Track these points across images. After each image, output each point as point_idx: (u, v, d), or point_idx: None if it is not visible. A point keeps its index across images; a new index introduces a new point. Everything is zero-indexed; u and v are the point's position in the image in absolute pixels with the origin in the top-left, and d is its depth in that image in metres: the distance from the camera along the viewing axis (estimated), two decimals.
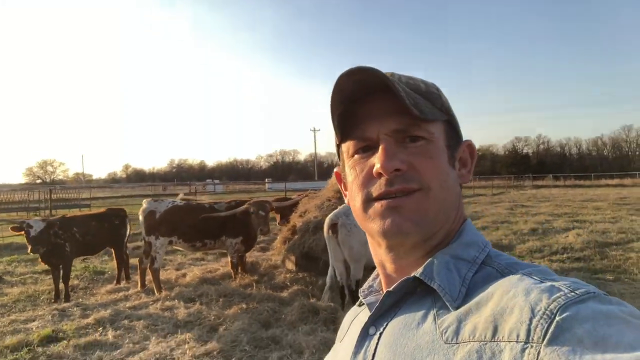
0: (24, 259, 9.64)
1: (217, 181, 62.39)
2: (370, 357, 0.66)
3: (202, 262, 9.15)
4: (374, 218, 0.69)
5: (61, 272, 6.67)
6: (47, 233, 6.34)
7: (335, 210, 5.13)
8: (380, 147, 0.68)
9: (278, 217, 9.13)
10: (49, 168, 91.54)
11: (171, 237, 6.84)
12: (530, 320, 0.51)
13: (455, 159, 0.74)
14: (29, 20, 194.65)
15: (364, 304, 0.79)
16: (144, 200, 7.19)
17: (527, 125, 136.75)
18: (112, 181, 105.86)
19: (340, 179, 0.83)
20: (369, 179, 0.69)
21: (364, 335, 0.70)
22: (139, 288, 6.95)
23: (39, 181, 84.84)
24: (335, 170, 0.86)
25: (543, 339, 0.48)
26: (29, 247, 6.23)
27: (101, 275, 8.12)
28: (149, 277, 6.94)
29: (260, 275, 7.49)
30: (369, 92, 0.70)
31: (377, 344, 0.67)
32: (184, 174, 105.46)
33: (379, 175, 0.67)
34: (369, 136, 0.70)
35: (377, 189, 0.68)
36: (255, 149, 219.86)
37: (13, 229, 6.36)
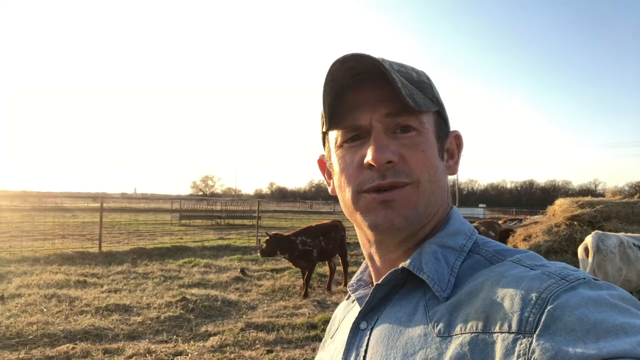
0: (248, 259, 11.43)
1: None
2: (363, 353, 0.65)
3: None
4: (364, 211, 0.67)
5: (306, 273, 7.94)
6: (270, 249, 7.69)
7: (590, 235, 5.49)
8: (372, 137, 0.66)
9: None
10: (209, 182, 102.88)
11: None
12: (522, 310, 0.50)
13: (444, 149, 0.73)
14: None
15: (354, 298, 0.77)
16: None
17: None
18: (258, 197, 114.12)
19: (324, 167, 0.81)
20: (359, 170, 0.68)
21: (355, 331, 0.69)
22: None
23: (200, 193, 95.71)
24: (318, 158, 0.84)
25: (535, 329, 0.48)
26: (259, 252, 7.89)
27: (324, 277, 9.36)
28: None
29: None
30: (361, 79, 0.68)
31: (369, 338, 0.66)
32: (322, 193, 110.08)
33: (370, 166, 0.65)
34: (360, 124, 0.68)
35: (368, 181, 0.66)
36: None
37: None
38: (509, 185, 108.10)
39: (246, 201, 36.91)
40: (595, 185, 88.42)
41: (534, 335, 0.47)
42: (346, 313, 0.81)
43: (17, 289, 7.40)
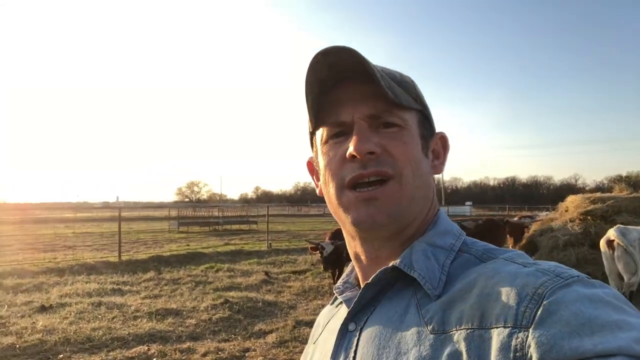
0: (266, 262, 11.80)
1: None
2: (352, 354, 0.64)
3: None
4: (347, 208, 0.67)
5: (337, 273, 8.35)
6: (335, 254, 7.89)
7: (612, 229, 6.06)
8: (354, 131, 0.66)
9: (511, 240, 9.73)
10: (195, 188, 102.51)
11: None
12: (518, 305, 0.50)
13: (428, 148, 0.73)
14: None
15: (340, 301, 0.76)
16: None
17: None
18: (244, 201, 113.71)
19: (313, 169, 0.80)
20: (342, 163, 0.67)
21: (344, 333, 0.68)
22: None
23: (186, 199, 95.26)
24: (308, 160, 0.82)
25: (531, 323, 0.48)
26: (322, 266, 8.02)
27: None
28: None
29: None
30: (344, 76, 0.68)
31: (358, 339, 0.65)
32: (307, 196, 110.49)
33: (352, 158, 0.65)
34: (343, 120, 0.68)
35: (350, 172, 0.66)
36: None
37: (312, 248, 8.24)
38: (492, 183, 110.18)
39: (242, 207, 37.07)
40: (576, 180, 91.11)
41: (530, 329, 0.48)
42: (330, 317, 0.79)
43: (60, 299, 7.65)
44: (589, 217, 7.40)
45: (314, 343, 0.81)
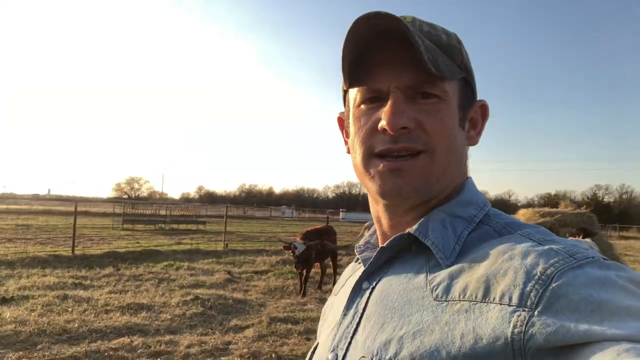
0: (224, 262, 11.87)
1: (290, 207, 65.11)
2: (361, 311, 0.66)
3: None
4: (374, 176, 0.66)
5: (305, 274, 8.64)
6: (306, 254, 8.27)
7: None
8: (389, 102, 0.63)
9: None
10: (135, 185, 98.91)
11: None
12: (525, 284, 0.49)
13: (466, 119, 0.70)
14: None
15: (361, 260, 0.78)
16: (367, 223, 9.17)
17: (607, 174, 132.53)
18: (185, 201, 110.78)
19: (343, 125, 0.79)
20: (372, 133, 0.66)
21: (357, 290, 0.70)
22: None
23: (125, 196, 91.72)
24: (338, 115, 0.80)
25: (537, 305, 0.47)
26: (294, 264, 8.29)
27: (312, 278, 10.09)
28: None
29: None
30: (385, 39, 0.63)
31: (369, 298, 0.66)
32: (252, 199, 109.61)
33: (384, 131, 0.63)
34: (379, 87, 0.65)
35: (380, 144, 0.65)
36: (322, 180, 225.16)
37: (285, 247, 8.54)
38: None
39: (190, 206, 36.42)
40: (509, 196, 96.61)
41: (535, 311, 0.46)
42: (352, 273, 0.82)
43: (20, 291, 7.42)
44: None
45: (335, 295, 0.85)
